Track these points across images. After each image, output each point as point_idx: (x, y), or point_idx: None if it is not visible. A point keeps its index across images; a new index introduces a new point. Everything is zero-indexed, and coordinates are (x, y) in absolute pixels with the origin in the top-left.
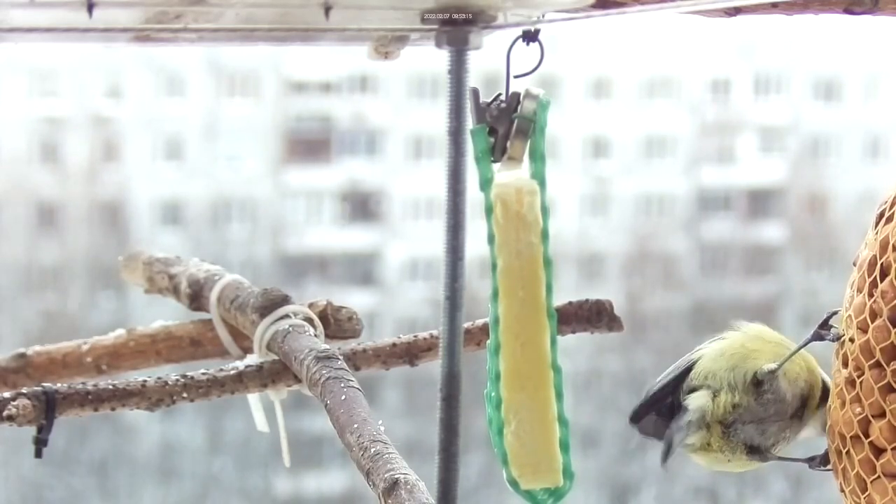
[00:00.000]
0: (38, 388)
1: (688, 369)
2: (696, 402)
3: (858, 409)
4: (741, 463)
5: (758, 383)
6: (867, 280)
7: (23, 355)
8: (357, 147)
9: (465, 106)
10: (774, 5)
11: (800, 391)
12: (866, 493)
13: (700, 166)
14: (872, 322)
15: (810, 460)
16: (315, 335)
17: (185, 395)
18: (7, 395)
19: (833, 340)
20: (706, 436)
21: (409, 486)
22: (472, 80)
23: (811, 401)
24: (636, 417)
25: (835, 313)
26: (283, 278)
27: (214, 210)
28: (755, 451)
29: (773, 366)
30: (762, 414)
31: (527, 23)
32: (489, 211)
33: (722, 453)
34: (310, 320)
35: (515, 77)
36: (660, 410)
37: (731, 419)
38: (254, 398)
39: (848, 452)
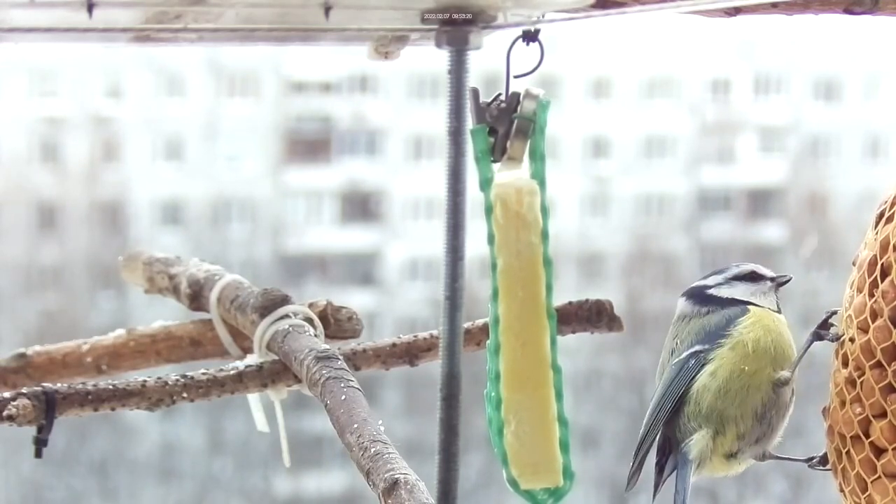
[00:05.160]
0: (38, 388)
1: (678, 405)
2: (695, 448)
3: (859, 409)
4: (741, 468)
5: (765, 405)
6: (867, 280)
7: (23, 355)
8: (357, 147)
9: (465, 106)
10: (774, 5)
11: (793, 385)
12: (867, 493)
13: (700, 166)
14: (873, 322)
15: (809, 460)
16: (315, 335)
17: (185, 395)
18: (7, 395)
19: (833, 340)
20: (708, 469)
21: (409, 486)
22: (472, 80)
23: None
24: (632, 480)
25: (834, 313)
26: (283, 278)
27: (214, 210)
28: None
29: (787, 374)
30: (764, 431)
31: (527, 23)
32: (489, 211)
33: (725, 472)
34: (310, 320)
35: (515, 77)
36: (661, 450)
37: (737, 449)
38: (254, 398)
39: (848, 452)
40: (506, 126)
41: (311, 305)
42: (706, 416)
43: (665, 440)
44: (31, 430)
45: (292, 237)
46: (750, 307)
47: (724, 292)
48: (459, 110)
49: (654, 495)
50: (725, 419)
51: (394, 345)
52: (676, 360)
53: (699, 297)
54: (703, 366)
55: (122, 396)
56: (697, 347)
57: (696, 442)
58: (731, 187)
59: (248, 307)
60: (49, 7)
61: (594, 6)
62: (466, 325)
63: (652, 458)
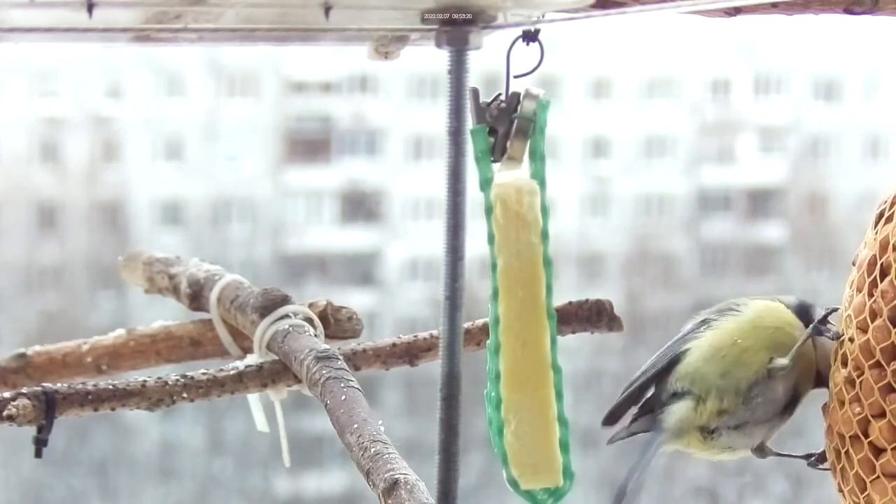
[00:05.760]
0: (38, 388)
1: (673, 361)
2: (674, 416)
3: (858, 409)
4: (730, 456)
5: (751, 387)
6: (867, 280)
7: (23, 355)
8: (357, 147)
9: (465, 106)
10: (774, 5)
11: (794, 382)
12: (865, 493)
13: (700, 166)
14: (872, 322)
15: (808, 457)
16: (315, 335)
17: (185, 395)
18: (7, 395)
19: (832, 339)
20: (684, 442)
21: (409, 486)
22: (472, 80)
23: (804, 387)
24: (611, 418)
25: (834, 310)
26: (283, 278)
27: (214, 210)
28: (738, 451)
29: (784, 361)
30: (748, 418)
31: (527, 23)
32: (489, 211)
33: (701, 452)
34: (310, 320)
35: (515, 77)
36: (644, 405)
37: (714, 426)
38: (254, 398)
39: (847, 452)
40: (506, 126)
41: (311, 305)
42: (692, 379)
43: (649, 397)
44: (31, 430)
45: (292, 237)
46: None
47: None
48: (459, 110)
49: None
50: (708, 387)
51: (394, 345)
52: (692, 323)
53: None
54: (704, 331)
55: (122, 396)
56: (710, 316)
57: (676, 411)
58: (731, 187)
59: (248, 307)
60: (49, 7)
61: (594, 6)
62: (466, 325)
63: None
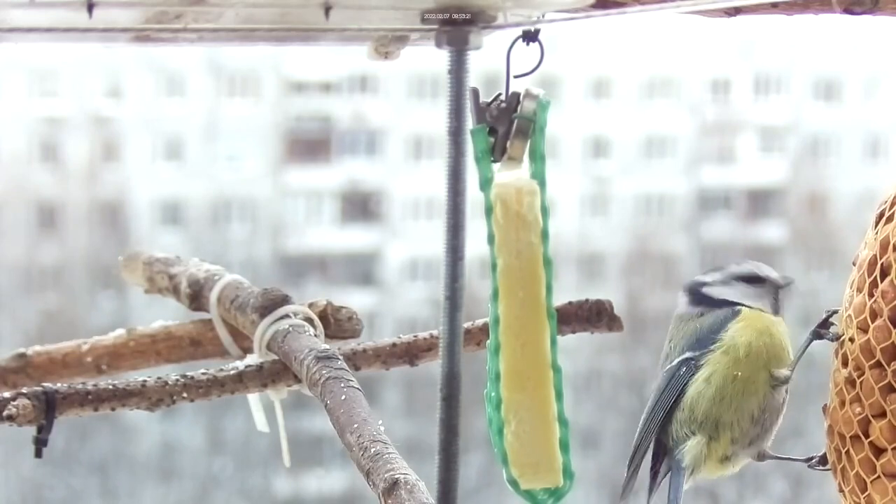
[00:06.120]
0: (38, 388)
1: (670, 409)
2: (689, 455)
3: (858, 409)
4: (735, 469)
5: (762, 408)
6: (867, 280)
7: (23, 355)
8: (357, 147)
9: (465, 106)
10: (774, 5)
11: (789, 384)
12: (866, 493)
13: (700, 166)
14: (873, 322)
15: (809, 460)
16: (315, 335)
17: (185, 395)
18: (7, 395)
19: (832, 340)
20: (703, 474)
21: (409, 486)
22: (472, 80)
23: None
24: (626, 491)
25: (834, 312)
26: (283, 278)
27: (214, 210)
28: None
29: (786, 373)
30: (759, 432)
31: (527, 23)
32: (489, 211)
33: (720, 474)
34: (310, 320)
35: (515, 77)
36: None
37: (731, 452)
38: (254, 398)
39: (847, 452)
40: (506, 126)
41: (311, 305)
42: (700, 423)
43: (659, 446)
44: (31, 430)
45: (292, 237)
46: (742, 309)
47: (718, 292)
48: (459, 110)
49: (648, 500)
50: (721, 425)
51: (394, 345)
52: (668, 366)
53: (695, 295)
54: (694, 373)
55: (122, 396)
56: (688, 354)
57: (690, 449)
58: (731, 187)
59: (248, 307)
60: (49, 7)
61: (594, 6)
62: (466, 325)
63: (646, 466)
